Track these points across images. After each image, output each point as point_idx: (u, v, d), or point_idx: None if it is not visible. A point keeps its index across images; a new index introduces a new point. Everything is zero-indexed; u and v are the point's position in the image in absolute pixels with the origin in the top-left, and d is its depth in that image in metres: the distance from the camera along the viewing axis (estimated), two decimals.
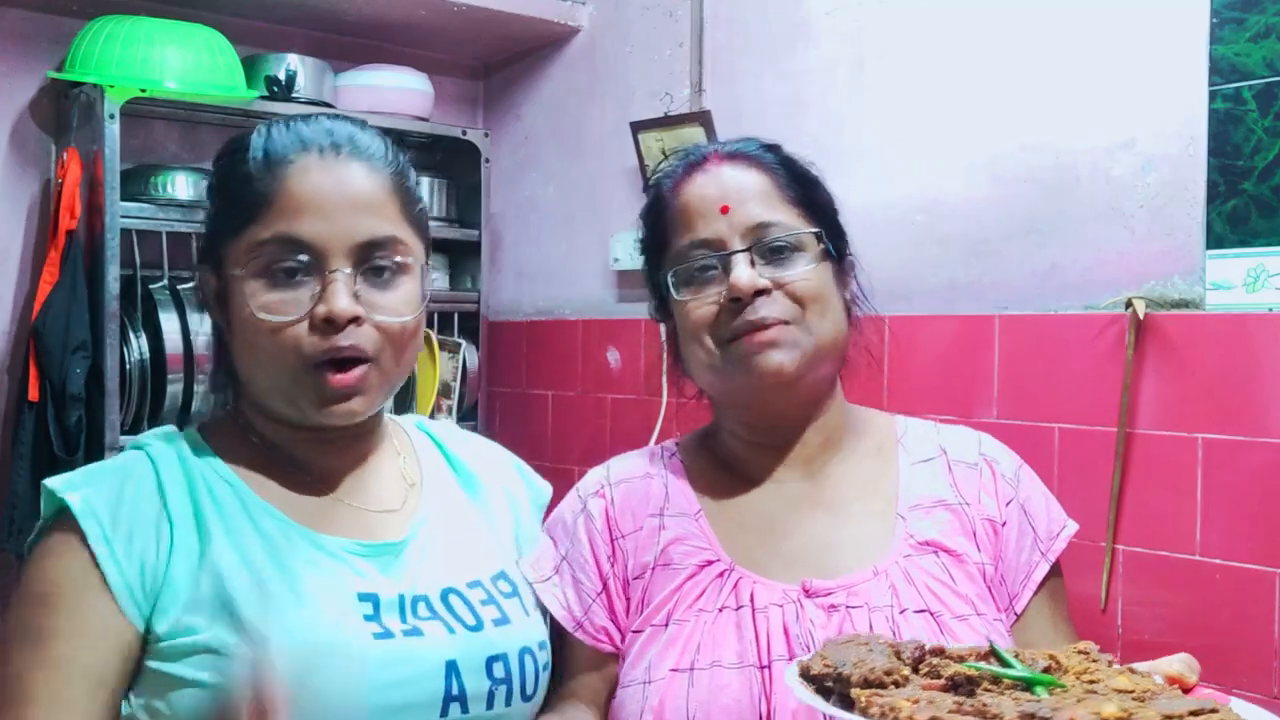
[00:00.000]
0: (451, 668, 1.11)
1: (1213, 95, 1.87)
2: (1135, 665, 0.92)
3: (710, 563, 1.19)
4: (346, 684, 1.06)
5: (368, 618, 1.10)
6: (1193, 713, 0.80)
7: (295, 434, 1.19)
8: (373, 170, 1.16)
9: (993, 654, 0.92)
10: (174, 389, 2.69)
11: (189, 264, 2.77)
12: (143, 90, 2.56)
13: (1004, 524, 1.21)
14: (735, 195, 1.21)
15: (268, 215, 1.12)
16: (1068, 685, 0.88)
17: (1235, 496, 1.85)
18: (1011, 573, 1.20)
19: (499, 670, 1.14)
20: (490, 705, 1.14)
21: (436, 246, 3.12)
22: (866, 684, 0.89)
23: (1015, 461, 1.27)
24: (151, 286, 2.74)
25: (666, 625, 1.16)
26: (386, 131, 1.24)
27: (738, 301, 1.17)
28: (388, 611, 1.12)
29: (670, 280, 1.24)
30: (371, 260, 1.14)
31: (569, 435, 3.06)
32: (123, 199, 2.61)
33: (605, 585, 1.22)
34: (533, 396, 3.16)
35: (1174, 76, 1.93)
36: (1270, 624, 1.80)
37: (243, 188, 1.14)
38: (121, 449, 2.55)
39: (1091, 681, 0.88)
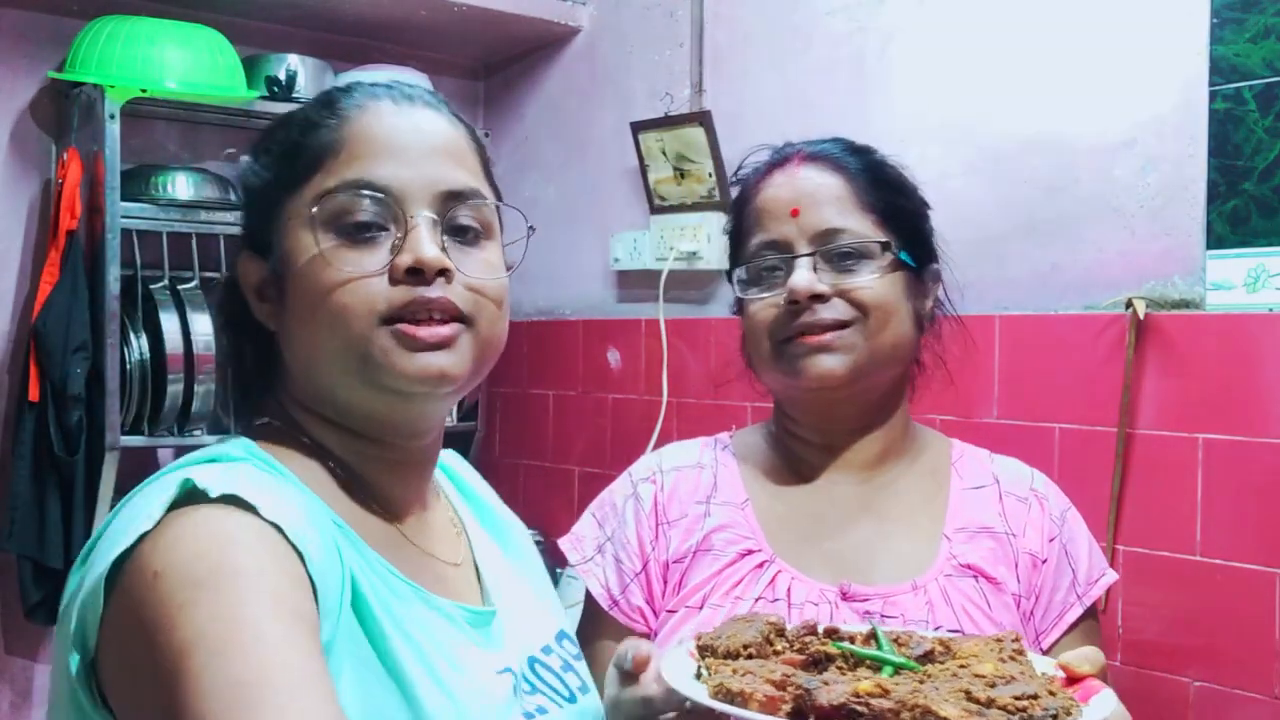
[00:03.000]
0: None
1: (1213, 95, 1.87)
2: (1062, 657, 0.94)
3: (751, 552, 1.20)
4: None
5: (514, 691, 0.96)
6: (969, 694, 0.85)
7: (366, 450, 0.98)
8: (451, 119, 1.01)
9: (872, 636, 0.97)
10: (174, 389, 2.69)
11: (189, 264, 2.78)
12: (143, 91, 2.56)
13: (1045, 560, 1.22)
14: (808, 198, 1.22)
15: (334, 162, 0.94)
16: (921, 669, 0.92)
17: (1236, 497, 1.85)
18: (1044, 610, 1.21)
19: None
20: None
21: None
22: (727, 655, 0.95)
23: (1065, 502, 1.28)
24: (152, 287, 2.74)
25: (701, 608, 1.17)
26: None
27: (795, 304, 1.19)
28: (521, 687, 0.98)
29: (739, 278, 1.26)
30: (455, 215, 0.96)
31: (569, 435, 3.06)
32: (123, 199, 2.61)
33: (645, 566, 1.23)
34: (533, 396, 3.16)
35: (1174, 76, 1.93)
36: (1270, 624, 1.80)
37: (302, 140, 0.96)
38: (121, 450, 2.59)
39: (962, 666, 0.92)
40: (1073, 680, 0.94)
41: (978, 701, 0.86)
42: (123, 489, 2.70)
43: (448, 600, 0.96)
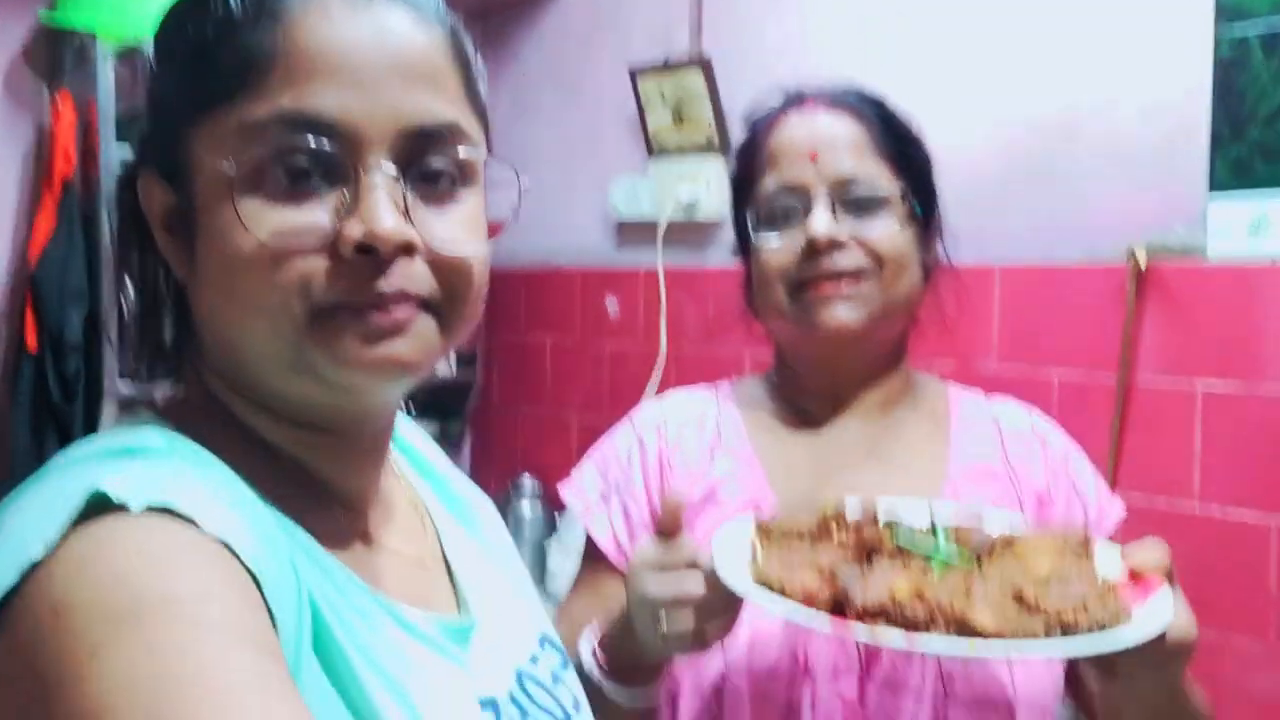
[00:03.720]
0: None
1: (1218, 40, 1.85)
2: (1126, 547, 0.95)
3: (757, 503, 1.19)
4: None
5: None
6: (1019, 596, 0.85)
7: (300, 436, 0.77)
8: (423, 23, 0.73)
9: (931, 528, 0.97)
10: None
11: None
12: (135, 38, 2.53)
13: (1051, 497, 1.21)
14: (826, 143, 1.20)
15: (265, 83, 0.69)
16: (974, 565, 0.91)
17: (1234, 446, 1.85)
18: None
19: None
20: None
21: None
22: (781, 536, 0.95)
23: (1065, 440, 1.28)
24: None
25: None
26: None
27: (813, 250, 1.17)
28: (507, 717, 0.81)
29: (751, 220, 1.23)
30: (425, 159, 0.72)
31: (567, 384, 3.06)
32: (118, 140, 2.58)
33: (654, 515, 1.22)
34: (531, 346, 3.15)
35: (1179, 21, 1.91)
36: (1266, 572, 1.81)
37: (221, 39, 0.70)
38: (120, 396, 2.58)
39: (1020, 564, 0.92)
40: (1135, 577, 0.92)
41: (1026, 603, 0.84)
42: None
43: (420, 612, 0.77)
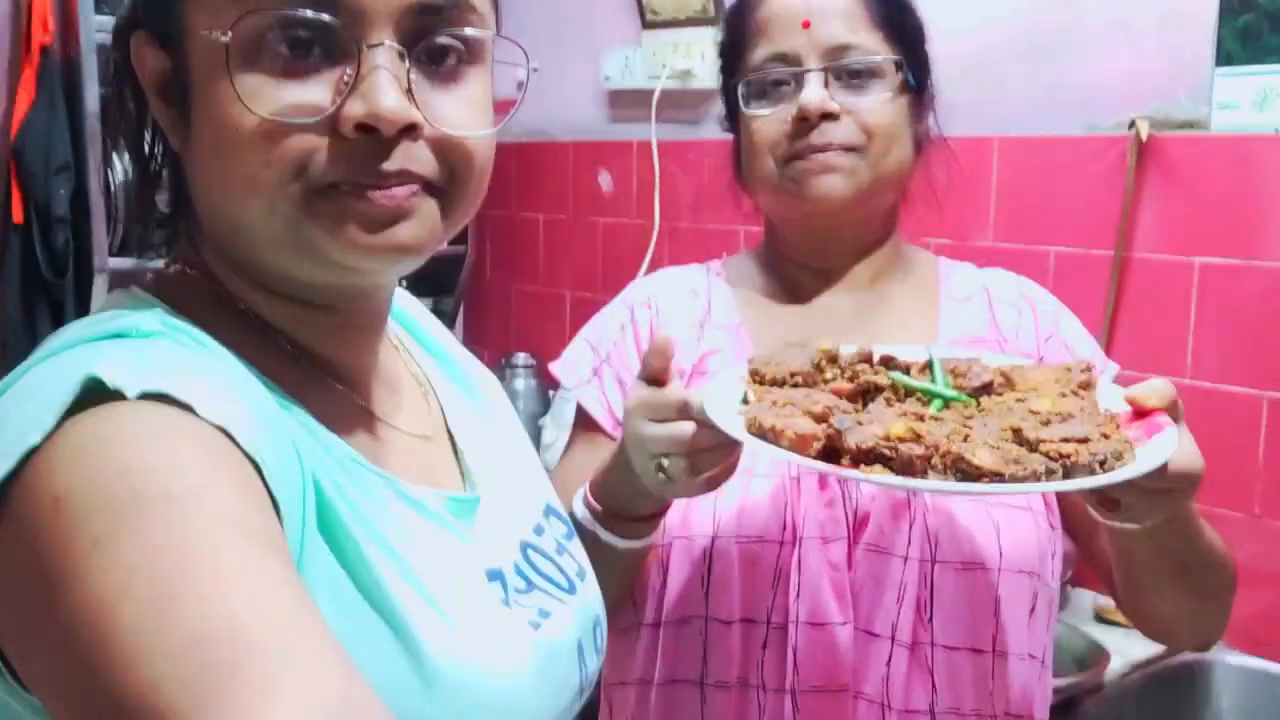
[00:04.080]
0: (580, 650, 0.85)
1: None
2: (1129, 390, 0.93)
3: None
4: (524, 687, 0.76)
5: (503, 602, 0.79)
6: (1017, 431, 0.82)
7: (296, 312, 0.76)
8: None
9: (928, 365, 0.94)
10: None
11: None
12: None
13: (1042, 358, 1.21)
14: (819, 10, 1.17)
15: None
16: (973, 402, 0.89)
17: (1229, 321, 1.85)
18: None
19: (600, 637, 0.90)
20: (594, 684, 0.90)
21: None
22: (774, 382, 0.92)
23: (1055, 303, 1.27)
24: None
25: None
26: None
27: (805, 121, 1.15)
28: (515, 591, 0.81)
29: (741, 91, 1.20)
30: (430, 36, 0.70)
31: (560, 260, 3.04)
32: (97, 13, 2.51)
33: None
34: (523, 220, 3.12)
35: None
36: (1255, 446, 1.83)
37: None
38: (110, 272, 2.56)
39: (1019, 400, 0.89)
40: (1139, 414, 0.90)
41: (1026, 441, 0.82)
42: None
43: (425, 488, 0.77)
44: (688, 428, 0.93)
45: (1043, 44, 2.06)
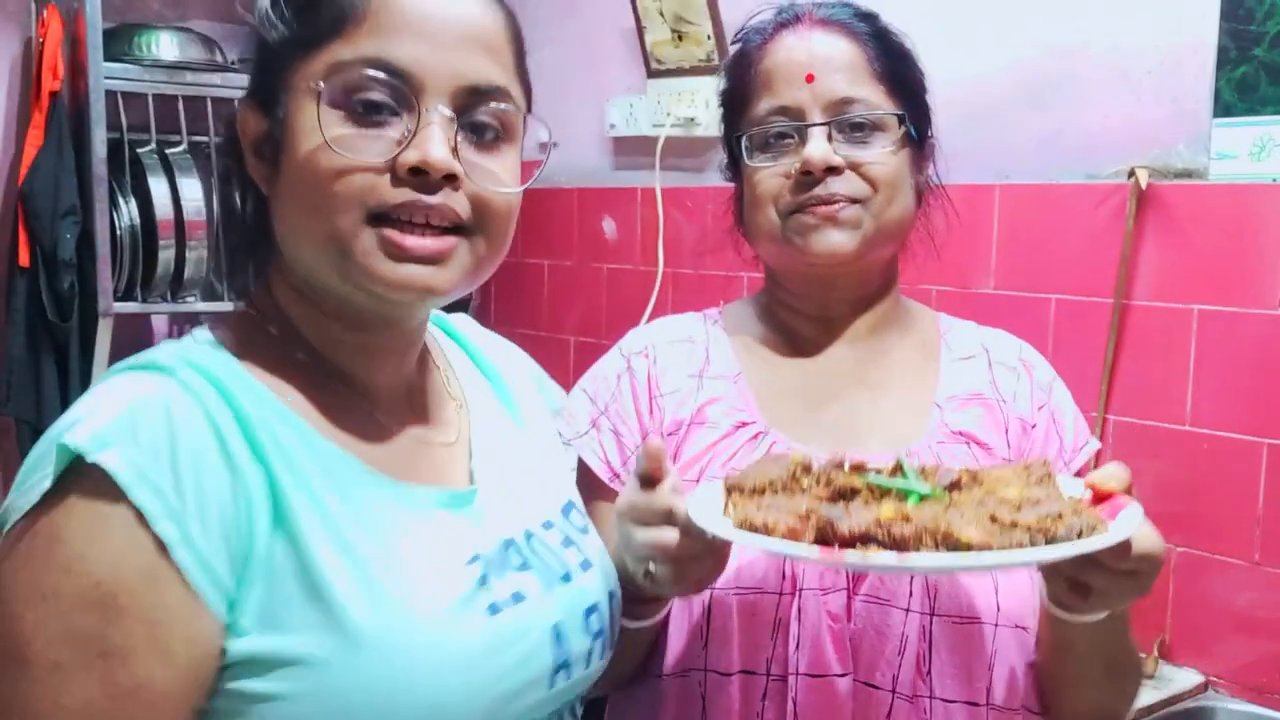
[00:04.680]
0: (557, 633, 0.94)
1: None
2: (1089, 476, 0.96)
3: (746, 424, 1.19)
4: (467, 684, 0.86)
5: (479, 582, 0.90)
6: (993, 517, 0.86)
7: (344, 335, 0.93)
8: (491, 6, 0.93)
9: (898, 468, 0.97)
10: (166, 255, 2.68)
11: (177, 127, 2.73)
12: None
13: (1034, 425, 1.22)
14: (822, 64, 1.17)
15: (356, 31, 0.87)
16: (945, 498, 0.92)
17: (1227, 368, 1.86)
18: None
19: (595, 622, 0.99)
20: (588, 664, 0.98)
21: None
22: (754, 492, 0.95)
23: (1051, 372, 1.28)
24: (139, 150, 2.69)
25: (698, 480, 1.16)
26: None
27: (808, 175, 1.15)
28: (496, 573, 0.92)
29: (745, 143, 1.21)
30: (476, 112, 0.89)
31: (564, 306, 3.05)
32: (106, 60, 2.55)
33: (645, 439, 1.21)
34: (528, 266, 3.14)
35: None
36: (1255, 493, 1.83)
37: None
38: (115, 316, 2.58)
39: (988, 493, 0.92)
40: (1100, 498, 0.94)
41: (1004, 525, 0.85)
42: (118, 355, 2.71)
43: (421, 486, 0.92)
44: (672, 536, 0.94)
45: (1044, 94, 2.09)
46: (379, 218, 0.86)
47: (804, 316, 1.26)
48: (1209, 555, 1.89)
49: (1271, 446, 1.81)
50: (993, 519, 0.86)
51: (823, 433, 1.19)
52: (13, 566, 0.78)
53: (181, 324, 3.07)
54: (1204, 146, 1.88)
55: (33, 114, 2.57)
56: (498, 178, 0.91)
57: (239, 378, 0.86)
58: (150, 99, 2.68)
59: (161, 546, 0.77)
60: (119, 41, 2.65)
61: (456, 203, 0.88)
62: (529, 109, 0.97)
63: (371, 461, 0.90)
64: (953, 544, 0.82)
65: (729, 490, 0.97)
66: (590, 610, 0.98)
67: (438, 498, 0.93)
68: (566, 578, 0.98)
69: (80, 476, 0.78)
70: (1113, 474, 0.95)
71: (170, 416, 0.80)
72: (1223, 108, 1.85)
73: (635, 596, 1.06)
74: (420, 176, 0.85)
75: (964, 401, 1.22)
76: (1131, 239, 1.95)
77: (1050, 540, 0.84)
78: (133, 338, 2.94)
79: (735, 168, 1.26)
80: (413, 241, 0.86)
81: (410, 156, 0.85)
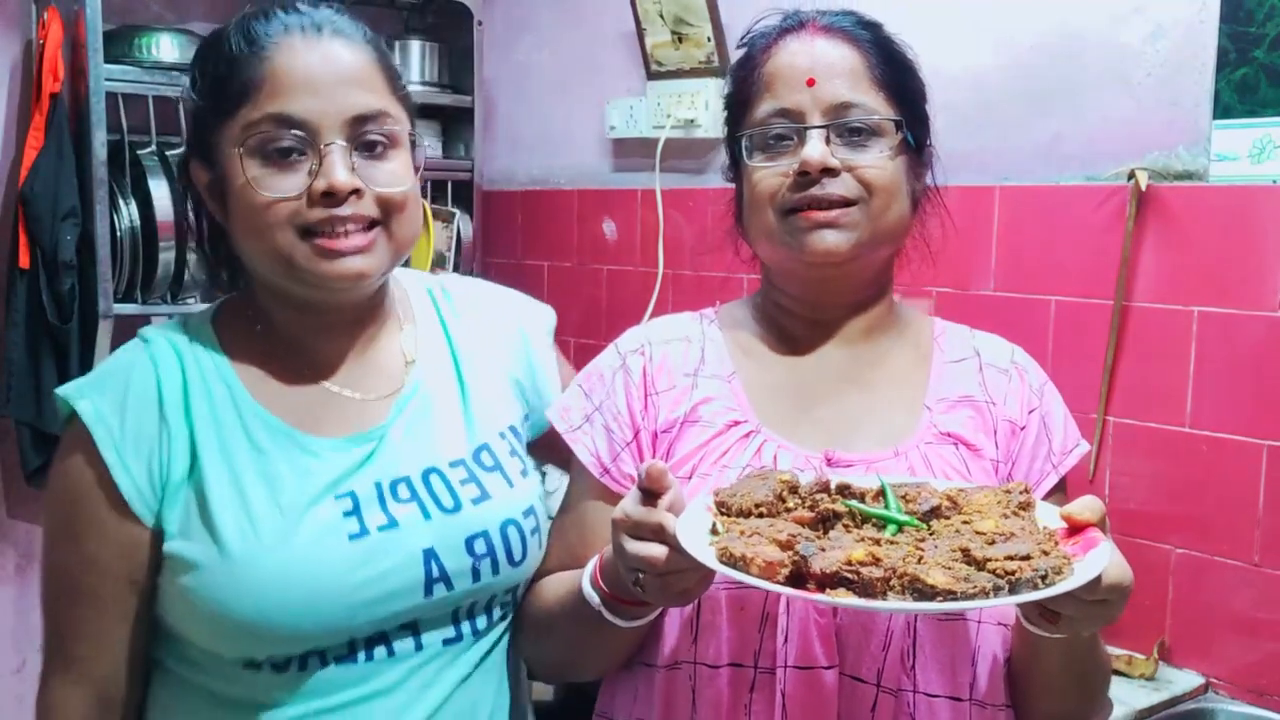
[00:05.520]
0: (430, 554, 1.17)
1: None
2: (1064, 508, 1.00)
3: (738, 423, 1.21)
4: (329, 588, 1.13)
5: (347, 514, 1.16)
6: (965, 553, 0.92)
7: (302, 318, 1.21)
8: (355, 47, 1.18)
9: (881, 493, 1.02)
10: (166, 257, 2.67)
11: (177, 129, 2.73)
12: None
13: (1023, 428, 1.24)
14: (824, 69, 1.20)
15: (258, 96, 1.12)
16: (924, 526, 0.98)
17: (1227, 369, 1.86)
18: (1021, 477, 1.23)
19: (480, 546, 1.20)
20: (476, 579, 1.20)
21: (428, 113, 3.07)
22: (740, 513, 1.00)
23: (1043, 376, 1.30)
24: (140, 152, 2.69)
25: (690, 477, 1.19)
26: None
27: (805, 176, 1.18)
28: (367, 506, 1.17)
29: (745, 143, 1.23)
30: (364, 134, 1.15)
31: (565, 307, 3.03)
32: (106, 61, 2.55)
33: (636, 435, 1.24)
34: (528, 267, 3.14)
35: None
36: (1254, 494, 1.83)
37: (230, 72, 1.14)
38: (115, 317, 2.58)
39: (965, 522, 0.98)
40: (1075, 530, 0.97)
41: (974, 560, 0.90)
42: None
43: (325, 438, 1.18)
44: (661, 551, 0.98)
45: (1043, 96, 2.09)
46: (307, 232, 1.12)
47: (798, 317, 1.27)
48: (1209, 557, 1.89)
49: (1271, 448, 1.81)
50: (964, 555, 0.91)
51: (814, 432, 1.21)
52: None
53: None
54: (1204, 148, 1.88)
55: (33, 116, 2.57)
56: (392, 178, 1.16)
57: (206, 350, 1.19)
58: (150, 101, 2.68)
59: (106, 468, 1.13)
60: (119, 43, 2.65)
61: (365, 208, 1.14)
62: (413, 118, 1.22)
63: (288, 418, 1.18)
64: (918, 587, 0.88)
65: (718, 507, 1.02)
66: (474, 537, 1.20)
67: (336, 445, 1.18)
68: (454, 509, 1.20)
69: (71, 414, 1.15)
70: (1086, 506, 0.98)
71: (129, 378, 1.16)
72: (1222, 109, 1.85)
73: (627, 598, 1.08)
74: (331, 197, 1.12)
75: (954, 404, 1.24)
76: (1131, 241, 1.95)
77: (1013, 586, 0.89)
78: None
79: (736, 169, 1.28)
80: (341, 243, 1.13)
81: (319, 185, 1.11)
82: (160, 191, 2.65)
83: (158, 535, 1.14)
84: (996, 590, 0.88)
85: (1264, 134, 1.80)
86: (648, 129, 2.74)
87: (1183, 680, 1.90)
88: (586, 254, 2.99)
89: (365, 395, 1.23)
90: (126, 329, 2.81)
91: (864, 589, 0.89)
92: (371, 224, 1.15)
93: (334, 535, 1.14)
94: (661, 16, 2.65)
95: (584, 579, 1.12)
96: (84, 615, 1.17)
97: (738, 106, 1.27)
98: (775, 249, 1.22)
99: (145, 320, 3.03)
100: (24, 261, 2.55)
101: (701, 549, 0.94)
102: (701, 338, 1.29)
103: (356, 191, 1.13)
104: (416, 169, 1.20)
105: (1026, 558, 0.90)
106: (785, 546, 0.92)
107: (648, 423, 1.24)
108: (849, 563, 0.89)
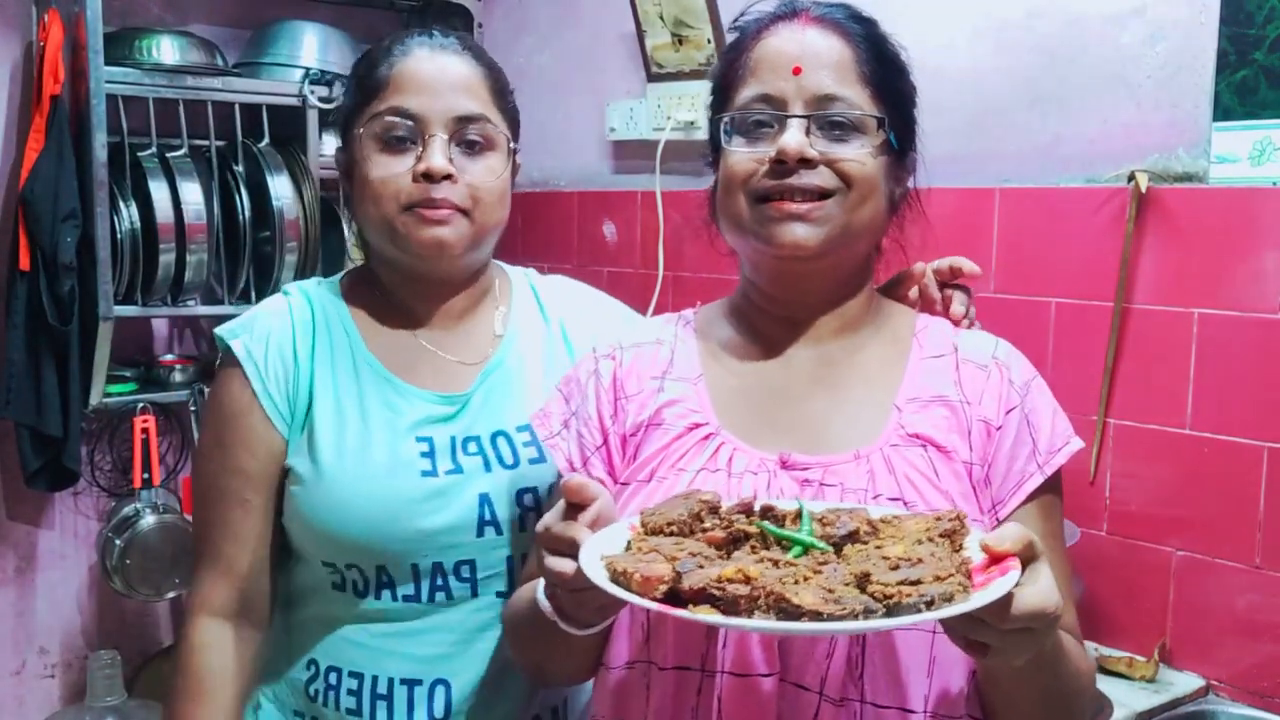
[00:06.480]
0: (484, 499, 1.38)
1: None
2: (983, 538, 0.96)
3: (698, 425, 1.20)
4: (398, 511, 1.34)
5: (423, 455, 1.37)
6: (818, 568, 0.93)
7: (406, 283, 1.44)
8: (468, 61, 1.41)
9: (798, 515, 1.02)
10: (166, 259, 2.68)
11: (177, 131, 2.73)
12: None
13: (1000, 428, 1.19)
14: (811, 59, 1.18)
15: (385, 93, 1.38)
16: (829, 550, 0.97)
17: (1228, 371, 1.86)
18: (1000, 478, 1.19)
19: (529, 500, 1.40)
20: (523, 528, 1.38)
21: None
22: (654, 532, 1.01)
23: (1029, 372, 1.24)
24: (140, 154, 2.69)
25: (649, 480, 1.18)
26: None
27: (782, 165, 1.15)
28: (441, 453, 1.38)
29: (724, 126, 1.22)
30: (465, 133, 1.38)
31: None
32: (107, 64, 2.55)
33: (605, 440, 1.24)
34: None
35: None
36: (1255, 496, 1.83)
37: (369, 74, 1.41)
38: (115, 319, 2.58)
39: (878, 548, 0.96)
40: (994, 560, 0.94)
41: (872, 584, 0.89)
42: (117, 359, 2.71)
43: (418, 388, 1.41)
44: (570, 566, 0.98)
45: (1044, 98, 2.09)
46: (408, 207, 1.36)
47: (771, 317, 1.25)
48: (1210, 559, 1.89)
49: (1272, 450, 1.81)
50: (859, 579, 0.90)
51: (776, 435, 1.19)
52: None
53: (182, 328, 3.07)
54: (1204, 150, 1.88)
55: (33, 118, 2.57)
56: (485, 172, 1.39)
57: (333, 304, 1.45)
58: (151, 103, 2.68)
59: (254, 394, 1.38)
60: (120, 45, 2.65)
61: (455, 193, 1.36)
62: (515, 131, 1.45)
63: (392, 367, 1.42)
64: (784, 606, 0.87)
65: (641, 526, 1.02)
66: (524, 490, 1.40)
67: (426, 396, 1.41)
68: (513, 465, 1.40)
69: (227, 350, 1.41)
70: (1007, 535, 0.94)
71: (270, 322, 1.42)
72: (1222, 111, 1.85)
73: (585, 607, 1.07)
74: (429, 178, 1.35)
75: (925, 403, 1.19)
76: (1132, 242, 1.95)
77: (891, 610, 0.87)
78: (133, 341, 2.94)
79: (716, 153, 1.26)
80: (430, 213, 1.35)
81: (420, 166, 1.35)
82: (161, 193, 2.65)
83: (285, 449, 1.38)
84: (869, 613, 0.87)
85: (1264, 136, 1.80)
86: (648, 131, 2.74)
87: (1183, 682, 1.90)
88: (586, 256, 2.99)
89: (453, 356, 1.45)
90: (126, 330, 2.82)
91: (728, 606, 0.88)
92: (458, 209, 1.36)
93: (409, 469, 1.36)
94: (662, 18, 2.66)
95: (539, 588, 1.12)
96: (232, 515, 1.39)
97: (722, 90, 1.25)
98: (743, 237, 1.20)
99: (145, 322, 3.04)
100: (24, 263, 2.55)
101: (594, 565, 0.94)
102: (673, 340, 1.28)
103: (450, 177, 1.35)
104: (510, 172, 1.43)
105: (916, 582, 0.88)
106: (671, 562, 0.93)
107: (617, 427, 1.24)
108: (717, 580, 0.89)
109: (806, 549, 0.98)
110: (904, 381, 1.21)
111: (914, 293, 1.34)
